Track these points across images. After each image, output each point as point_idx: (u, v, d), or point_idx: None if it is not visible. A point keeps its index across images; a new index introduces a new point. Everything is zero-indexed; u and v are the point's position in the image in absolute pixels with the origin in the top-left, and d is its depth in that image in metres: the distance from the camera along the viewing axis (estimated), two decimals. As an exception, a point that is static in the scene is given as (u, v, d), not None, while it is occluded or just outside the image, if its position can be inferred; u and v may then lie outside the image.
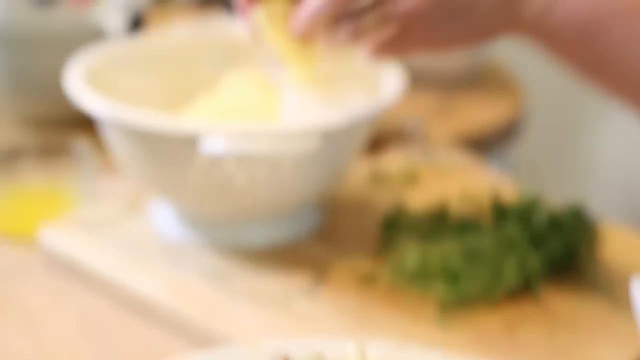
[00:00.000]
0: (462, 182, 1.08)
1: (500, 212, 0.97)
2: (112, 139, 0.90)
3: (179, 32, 1.15)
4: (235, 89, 0.98)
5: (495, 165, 1.16)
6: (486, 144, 1.29)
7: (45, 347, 0.85)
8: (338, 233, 0.96)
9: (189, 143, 0.83)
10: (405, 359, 0.68)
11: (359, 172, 1.07)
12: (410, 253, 0.89)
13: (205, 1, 1.63)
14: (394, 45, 0.83)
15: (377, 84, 0.94)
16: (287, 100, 0.97)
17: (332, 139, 0.86)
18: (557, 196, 1.00)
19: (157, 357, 0.79)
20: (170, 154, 0.85)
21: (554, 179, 2.10)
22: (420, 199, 1.02)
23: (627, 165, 2.10)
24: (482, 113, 1.31)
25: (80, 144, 1.01)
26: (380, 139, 1.16)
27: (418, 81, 1.26)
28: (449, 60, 1.34)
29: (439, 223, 0.96)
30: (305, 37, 0.83)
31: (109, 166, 1.03)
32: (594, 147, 2.11)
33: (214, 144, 0.81)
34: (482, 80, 1.40)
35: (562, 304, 0.89)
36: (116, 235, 0.93)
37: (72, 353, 0.84)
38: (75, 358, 0.83)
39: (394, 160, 1.13)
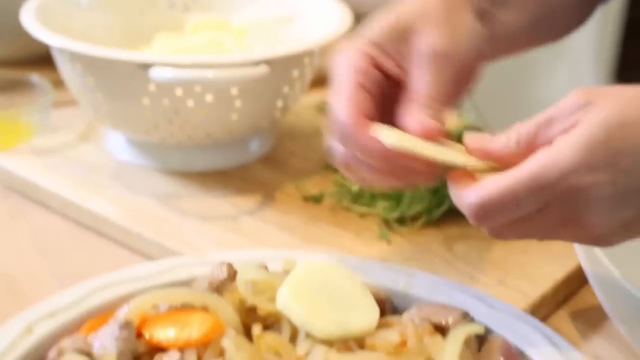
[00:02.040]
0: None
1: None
2: (67, 70, 0.93)
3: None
4: (198, 33, 1.01)
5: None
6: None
7: (2, 265, 0.87)
8: (286, 158, 0.99)
9: (139, 71, 0.86)
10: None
11: (305, 103, 1.11)
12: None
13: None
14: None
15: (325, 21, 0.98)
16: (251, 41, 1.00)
17: (277, 68, 0.89)
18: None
19: (111, 270, 0.82)
20: (121, 82, 0.88)
21: (499, 120, 2.13)
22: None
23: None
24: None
25: (37, 78, 1.04)
26: (325, 75, 1.19)
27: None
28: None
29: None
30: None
31: (65, 99, 1.06)
32: (539, 92, 2.16)
33: (163, 72, 0.84)
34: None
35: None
36: (71, 160, 0.96)
37: (29, 270, 0.86)
38: (32, 275, 0.86)
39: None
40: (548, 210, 0.59)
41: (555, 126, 0.59)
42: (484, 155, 0.62)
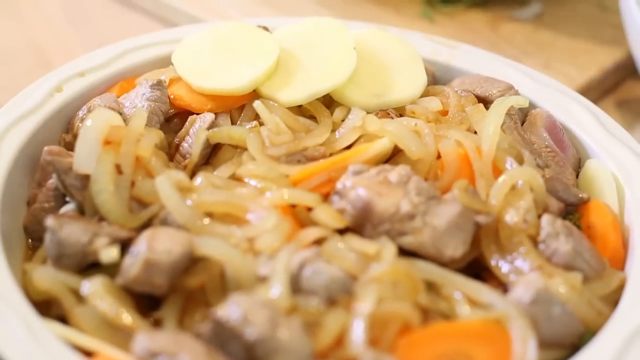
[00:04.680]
0: None
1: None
2: None
3: None
4: None
5: None
6: None
7: (32, 36, 0.85)
8: None
9: None
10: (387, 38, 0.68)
11: None
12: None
13: None
14: None
15: None
16: None
17: None
18: None
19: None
20: None
21: None
22: None
23: None
24: None
25: None
26: None
27: None
28: None
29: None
30: None
31: None
32: None
33: None
34: None
35: (547, 5, 0.89)
36: None
37: (59, 40, 0.84)
38: (62, 44, 0.84)
39: None
40: None
41: None
42: None
